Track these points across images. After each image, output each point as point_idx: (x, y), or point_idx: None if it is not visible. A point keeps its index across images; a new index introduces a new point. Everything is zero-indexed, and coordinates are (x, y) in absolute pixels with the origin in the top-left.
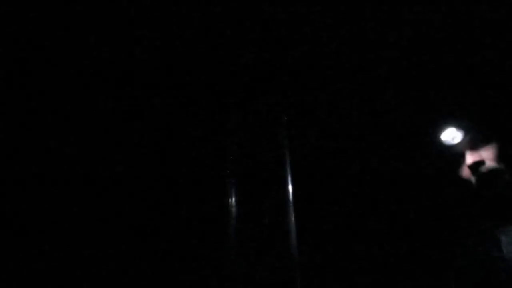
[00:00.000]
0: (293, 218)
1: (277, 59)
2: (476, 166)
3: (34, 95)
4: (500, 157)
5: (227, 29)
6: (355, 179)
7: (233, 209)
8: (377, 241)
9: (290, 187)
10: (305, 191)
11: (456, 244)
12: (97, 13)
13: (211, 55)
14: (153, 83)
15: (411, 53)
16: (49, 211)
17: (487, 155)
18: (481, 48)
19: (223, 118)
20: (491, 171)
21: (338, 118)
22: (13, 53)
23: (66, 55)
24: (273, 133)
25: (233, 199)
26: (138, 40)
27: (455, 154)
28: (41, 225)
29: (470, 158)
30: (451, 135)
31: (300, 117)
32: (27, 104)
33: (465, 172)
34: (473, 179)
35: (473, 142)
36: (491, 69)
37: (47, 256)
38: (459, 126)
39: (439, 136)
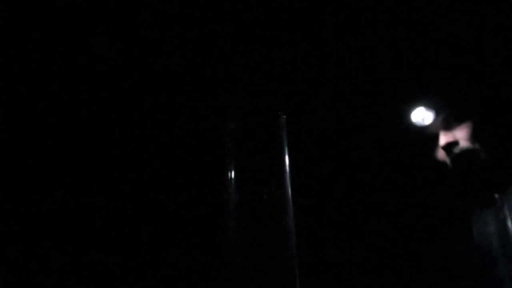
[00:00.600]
0: (292, 218)
1: (277, 58)
2: (450, 147)
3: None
4: (475, 136)
5: (226, 27)
6: (354, 178)
7: (232, 209)
8: (368, 238)
9: (289, 187)
10: (305, 190)
11: (431, 230)
12: (96, 13)
13: (210, 53)
14: (153, 82)
15: (381, 34)
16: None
17: (461, 135)
18: (451, 23)
19: (222, 116)
20: (466, 151)
21: (336, 116)
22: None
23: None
24: (272, 132)
25: (232, 198)
26: (138, 39)
27: (427, 135)
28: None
29: (443, 138)
30: (421, 116)
31: (300, 115)
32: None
33: (439, 154)
34: (448, 160)
35: (446, 121)
36: (462, 44)
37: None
38: (429, 105)
39: (409, 117)
